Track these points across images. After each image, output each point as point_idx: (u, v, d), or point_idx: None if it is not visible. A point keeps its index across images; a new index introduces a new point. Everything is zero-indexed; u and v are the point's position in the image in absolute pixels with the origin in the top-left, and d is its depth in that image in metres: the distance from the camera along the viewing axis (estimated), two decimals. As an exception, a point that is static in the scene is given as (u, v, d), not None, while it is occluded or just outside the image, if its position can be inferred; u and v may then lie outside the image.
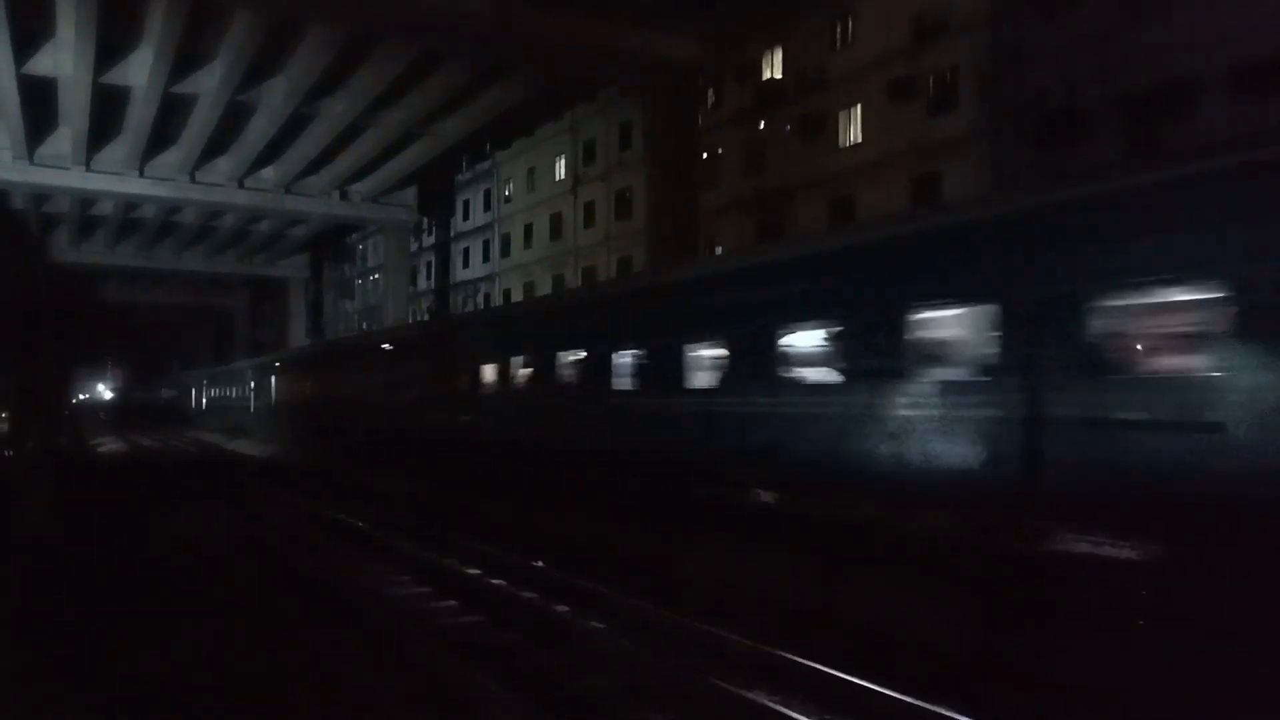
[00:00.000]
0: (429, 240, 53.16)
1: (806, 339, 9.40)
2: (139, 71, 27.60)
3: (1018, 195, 9.20)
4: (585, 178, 39.04)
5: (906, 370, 7.90)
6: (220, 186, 39.17)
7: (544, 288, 41.17)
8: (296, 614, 7.71)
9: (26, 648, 6.77)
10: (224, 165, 38.10)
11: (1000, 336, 7.15)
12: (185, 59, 27.04)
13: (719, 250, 30.52)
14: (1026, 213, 7.46)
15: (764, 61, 29.66)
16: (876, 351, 8.17)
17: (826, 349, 9.14)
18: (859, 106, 26.43)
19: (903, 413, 7.86)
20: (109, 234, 48.34)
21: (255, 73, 28.03)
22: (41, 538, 11.47)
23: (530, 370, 14.68)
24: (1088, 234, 6.67)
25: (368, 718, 5.26)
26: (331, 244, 58.35)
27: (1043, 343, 6.75)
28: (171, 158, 36.80)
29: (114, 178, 37.02)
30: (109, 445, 34.73)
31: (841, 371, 8.71)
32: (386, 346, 23.00)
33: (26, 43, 25.61)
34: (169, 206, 41.79)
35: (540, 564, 9.87)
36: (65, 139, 33.86)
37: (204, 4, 23.77)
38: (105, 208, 42.77)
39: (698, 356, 10.69)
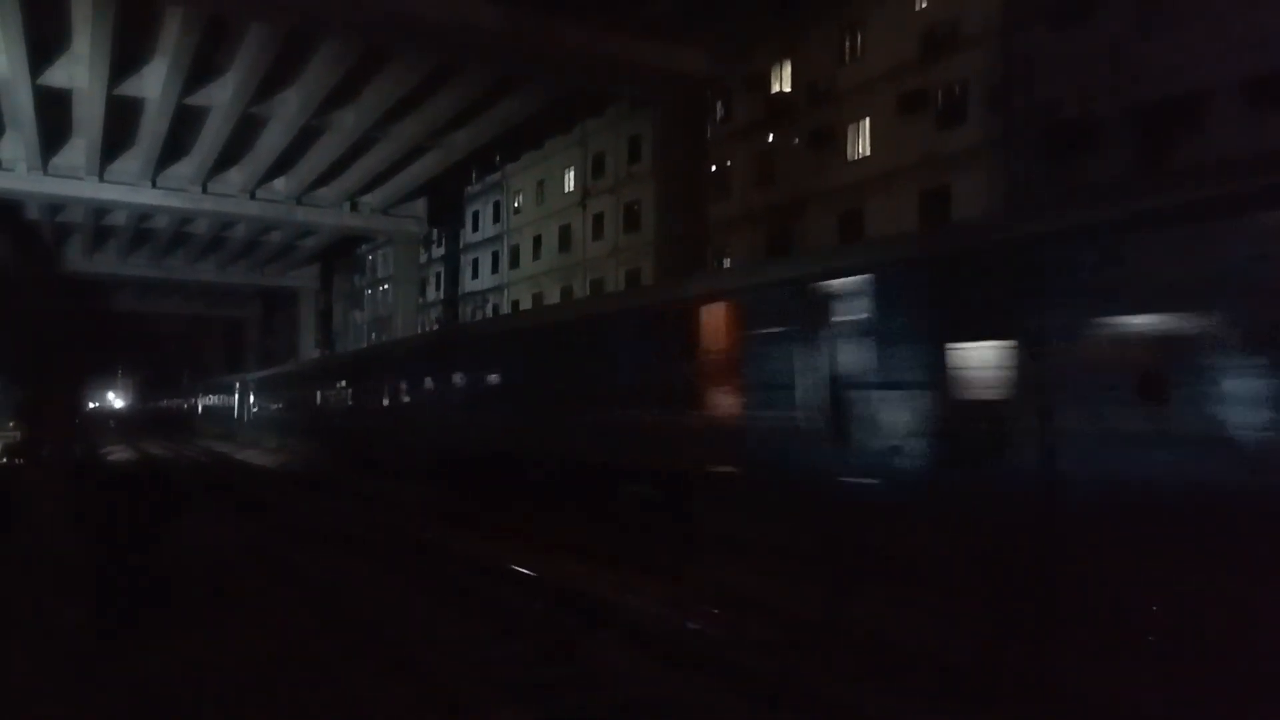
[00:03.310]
0: (438, 251, 53.29)
1: None
2: (153, 83, 27.84)
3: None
4: (594, 190, 39.12)
5: None
6: (232, 197, 39.42)
7: (552, 299, 41.20)
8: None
9: (40, 649, 6.78)
10: (236, 176, 38.36)
11: None
12: (199, 71, 27.28)
13: (728, 262, 30.56)
14: None
15: (774, 74, 29.71)
16: None
17: None
18: (868, 119, 26.44)
19: None
20: (122, 244, 48.67)
21: (268, 85, 28.24)
22: (54, 542, 11.51)
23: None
24: None
25: None
26: (342, 255, 58.59)
27: None
28: (184, 169, 37.09)
29: (127, 188, 37.31)
30: (119, 454, 34.82)
31: None
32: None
33: (42, 55, 25.87)
34: (181, 217, 42.10)
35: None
36: (79, 150, 34.16)
37: (218, 17, 23.99)
38: (118, 218, 43.09)
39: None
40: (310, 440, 28.67)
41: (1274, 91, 16.92)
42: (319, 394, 28.87)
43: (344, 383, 26.63)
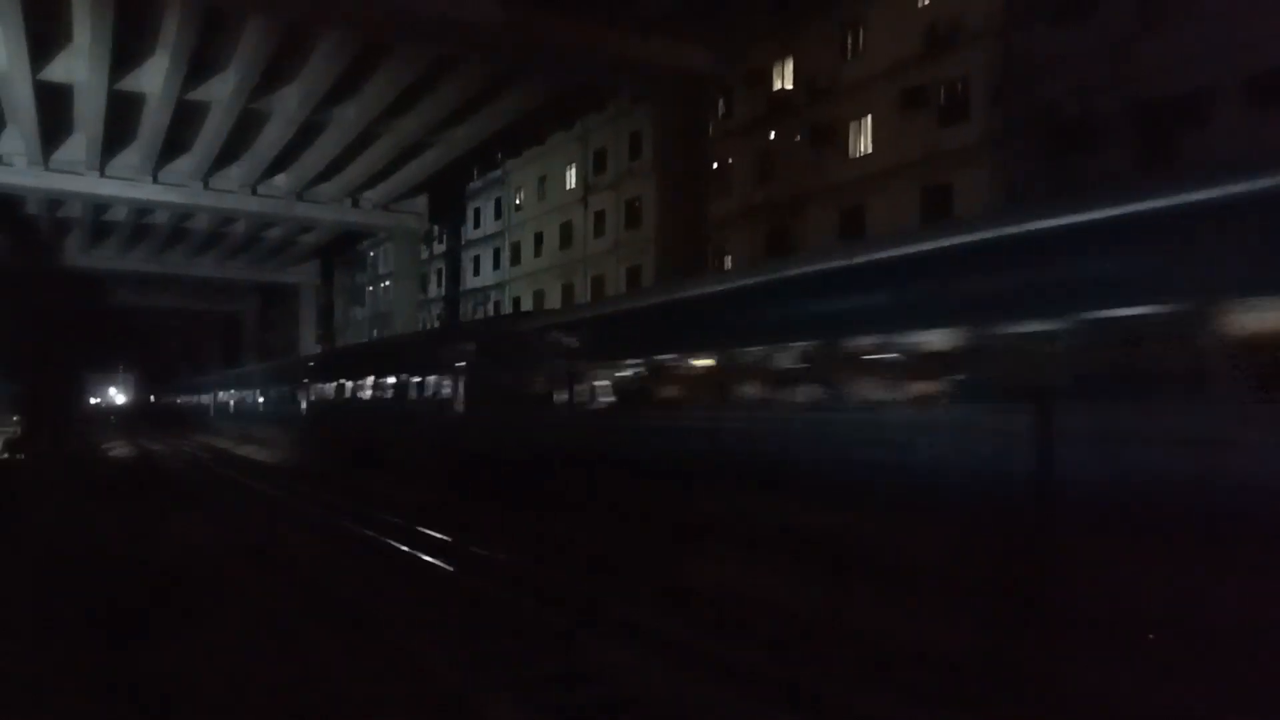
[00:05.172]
0: (440, 248, 53.27)
1: None
2: (153, 78, 27.80)
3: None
4: (595, 187, 39.08)
5: None
6: (232, 193, 39.41)
7: (553, 296, 41.19)
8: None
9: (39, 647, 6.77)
10: (236, 172, 38.33)
11: None
12: (199, 66, 27.24)
13: (729, 260, 30.53)
14: None
15: (775, 71, 29.64)
16: None
17: None
18: (870, 116, 26.38)
19: None
20: (121, 239, 48.66)
21: (268, 80, 28.21)
22: (53, 538, 11.51)
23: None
24: None
25: None
26: (342, 250, 58.54)
27: None
28: (184, 164, 37.05)
29: (127, 184, 37.31)
30: (118, 449, 34.78)
31: None
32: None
33: (42, 49, 25.84)
34: (181, 212, 42.08)
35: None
36: (79, 145, 34.14)
37: (218, 11, 23.96)
38: (118, 213, 43.05)
39: None
40: None
41: (1275, 90, 16.87)
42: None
43: None
